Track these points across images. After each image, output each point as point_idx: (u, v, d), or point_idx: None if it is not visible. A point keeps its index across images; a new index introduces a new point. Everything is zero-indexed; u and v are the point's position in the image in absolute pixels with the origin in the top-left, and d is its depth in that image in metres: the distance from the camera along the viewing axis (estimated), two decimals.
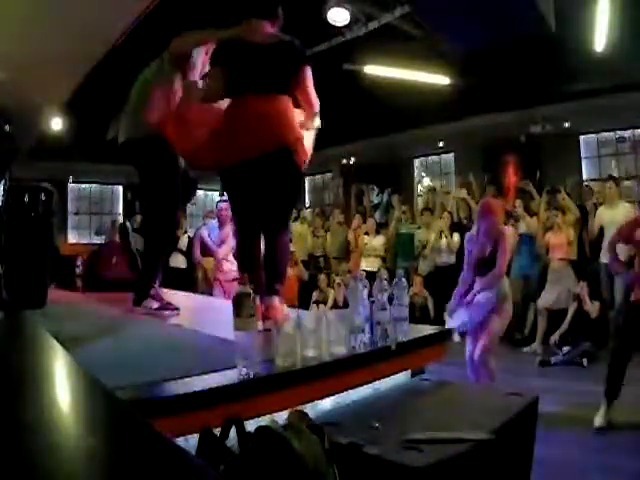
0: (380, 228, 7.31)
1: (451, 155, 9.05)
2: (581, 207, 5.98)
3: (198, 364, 1.49)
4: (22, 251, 2.83)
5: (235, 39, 2.23)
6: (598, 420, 3.09)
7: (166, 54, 2.54)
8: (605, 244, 4.77)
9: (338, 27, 5.75)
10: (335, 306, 6.06)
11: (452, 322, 3.39)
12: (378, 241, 6.95)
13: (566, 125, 7.38)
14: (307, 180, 10.66)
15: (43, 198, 2.93)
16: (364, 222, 7.35)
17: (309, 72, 2.27)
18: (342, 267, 6.89)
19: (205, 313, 3.13)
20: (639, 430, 2.99)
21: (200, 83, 2.46)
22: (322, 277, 6.66)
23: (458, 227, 6.28)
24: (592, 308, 5.00)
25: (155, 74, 2.54)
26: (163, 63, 2.52)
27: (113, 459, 0.53)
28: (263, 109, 2.16)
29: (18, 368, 1.00)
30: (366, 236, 7.00)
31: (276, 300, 2.16)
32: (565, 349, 4.88)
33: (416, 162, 9.60)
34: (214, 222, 5.36)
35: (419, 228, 6.87)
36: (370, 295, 1.73)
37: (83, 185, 10.24)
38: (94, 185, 10.37)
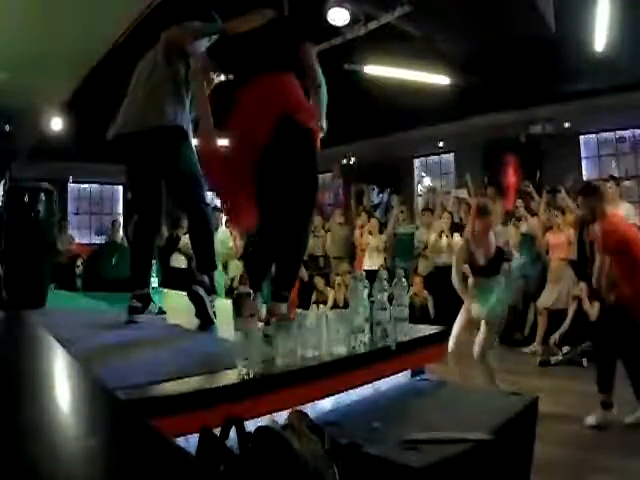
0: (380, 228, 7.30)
1: (451, 155, 9.04)
2: None
3: (198, 364, 1.50)
4: (22, 251, 2.83)
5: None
6: (590, 419, 3.10)
7: (160, 46, 2.42)
8: None
9: (338, 27, 5.75)
10: (335, 306, 6.05)
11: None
12: (380, 240, 6.94)
13: (566, 125, 7.37)
14: None
15: (43, 198, 2.92)
16: (369, 221, 7.34)
17: (309, 49, 2.26)
18: (342, 267, 6.89)
19: None
20: (638, 429, 2.99)
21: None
22: (318, 279, 6.66)
23: (458, 227, 6.27)
24: (591, 309, 4.98)
25: (154, 67, 2.40)
26: (157, 55, 2.41)
27: (113, 459, 0.53)
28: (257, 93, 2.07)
29: (18, 368, 1.00)
30: (370, 235, 7.00)
31: (282, 308, 1.97)
32: (565, 349, 4.87)
33: (416, 162, 9.60)
34: None
35: (417, 228, 6.86)
36: (370, 295, 1.73)
37: (83, 185, 10.23)
38: (94, 185, 10.36)
